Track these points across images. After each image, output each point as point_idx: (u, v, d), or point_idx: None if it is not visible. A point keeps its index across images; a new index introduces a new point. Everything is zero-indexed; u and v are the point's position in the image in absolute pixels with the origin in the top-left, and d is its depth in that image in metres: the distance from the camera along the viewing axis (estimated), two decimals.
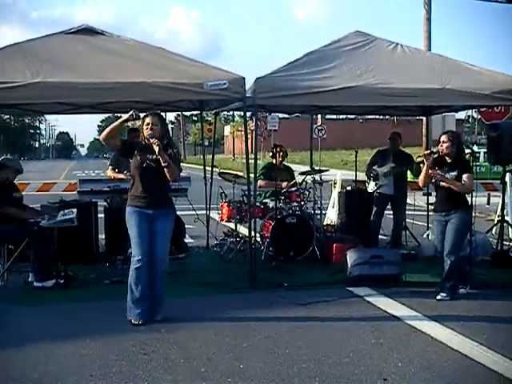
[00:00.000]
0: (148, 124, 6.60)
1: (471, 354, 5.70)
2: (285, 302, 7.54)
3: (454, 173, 7.59)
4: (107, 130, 6.64)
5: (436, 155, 7.74)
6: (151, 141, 6.52)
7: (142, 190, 6.70)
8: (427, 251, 10.29)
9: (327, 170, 11.49)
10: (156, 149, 6.50)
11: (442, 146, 7.66)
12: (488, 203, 17.33)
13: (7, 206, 8.31)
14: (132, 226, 6.71)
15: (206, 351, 5.80)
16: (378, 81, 8.45)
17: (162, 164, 6.53)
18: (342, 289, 8.14)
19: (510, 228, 11.52)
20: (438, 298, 7.57)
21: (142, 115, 6.62)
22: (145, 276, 6.62)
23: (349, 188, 12.39)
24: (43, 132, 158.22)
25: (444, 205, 7.73)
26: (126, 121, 6.57)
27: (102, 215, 10.24)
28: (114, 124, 6.63)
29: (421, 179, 7.96)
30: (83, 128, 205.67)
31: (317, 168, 11.64)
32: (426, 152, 7.83)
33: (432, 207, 8.27)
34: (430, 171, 7.70)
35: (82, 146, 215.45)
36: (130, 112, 6.46)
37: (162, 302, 6.79)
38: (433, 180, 7.84)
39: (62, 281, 8.28)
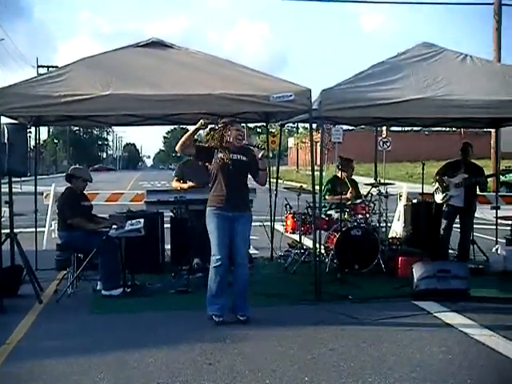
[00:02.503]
0: (239, 130, 7.10)
1: None
2: (350, 314, 7.47)
3: None
4: (181, 140, 7.07)
5: None
6: (258, 144, 7.19)
7: (226, 191, 6.97)
8: (496, 266, 10.08)
9: (393, 184, 11.38)
10: (261, 153, 7.01)
11: None
12: None
13: (77, 216, 8.50)
14: (213, 227, 6.96)
15: (271, 362, 5.80)
16: (446, 92, 8.33)
17: (260, 167, 7.04)
18: (407, 303, 8.02)
19: None
20: None
21: (210, 126, 7.10)
22: (224, 275, 6.92)
23: (415, 201, 12.25)
24: (110, 143, 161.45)
25: None
26: (198, 130, 7.01)
27: (168, 225, 10.38)
28: (187, 134, 7.07)
29: None
30: (149, 139, 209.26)
31: (382, 181, 11.55)
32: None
33: (501, 221, 8.10)
34: None
35: (148, 157, 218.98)
36: (200, 121, 6.95)
37: (248, 301, 7.14)
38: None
39: (129, 290, 8.42)
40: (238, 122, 7.96)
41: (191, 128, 7.16)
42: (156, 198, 10.15)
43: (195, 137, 7.22)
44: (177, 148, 7.17)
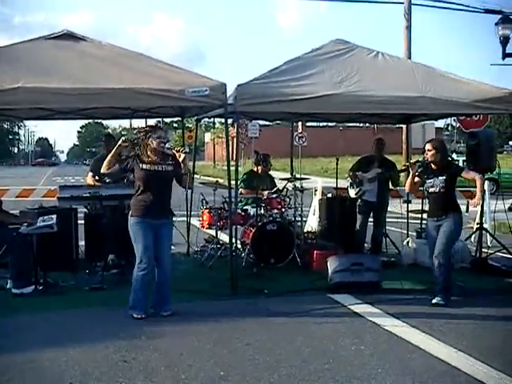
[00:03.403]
0: (160, 137, 7.08)
1: (450, 359, 5.73)
2: (265, 308, 7.53)
3: (443, 177, 7.81)
4: (105, 164, 7.15)
5: (421, 163, 8.00)
6: (180, 150, 7.16)
7: (151, 200, 7.00)
8: (407, 259, 10.37)
9: (308, 178, 11.52)
10: (182, 157, 7.08)
11: (427, 154, 7.93)
12: (467, 211, 17.42)
13: None
14: (139, 235, 6.99)
15: (187, 358, 5.78)
16: (358, 88, 8.50)
17: (184, 171, 7.12)
18: (322, 296, 8.16)
19: (488, 236, 11.60)
20: (434, 301, 7.61)
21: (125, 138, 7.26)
22: (148, 281, 7.08)
23: (329, 195, 12.43)
24: (22, 138, 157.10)
25: (435, 210, 7.92)
26: (119, 149, 7.11)
27: (82, 221, 10.19)
28: (109, 156, 7.15)
29: (408, 185, 8.22)
30: (63, 134, 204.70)
31: (298, 175, 11.67)
32: (411, 161, 8.20)
33: (412, 214, 8.35)
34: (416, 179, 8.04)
35: (62, 152, 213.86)
36: (121, 139, 7.21)
37: (169, 299, 7.28)
38: (421, 188, 8.06)
39: (41, 287, 8.21)
40: (151, 117, 7.88)
41: (113, 150, 7.21)
42: (69, 194, 9.92)
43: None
44: (103, 172, 7.26)
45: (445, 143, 8.70)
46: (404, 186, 8.76)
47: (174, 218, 7.38)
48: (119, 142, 7.18)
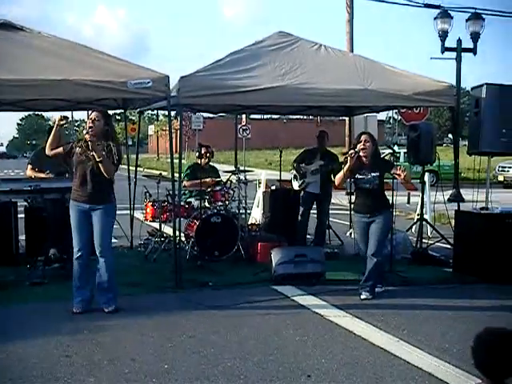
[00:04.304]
0: (90, 119, 6.91)
1: (391, 349, 5.83)
2: (210, 301, 7.53)
3: (376, 173, 7.61)
4: (49, 142, 7.08)
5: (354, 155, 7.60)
6: (85, 136, 6.82)
7: (80, 185, 6.96)
8: (350, 250, 10.51)
9: (252, 171, 11.55)
10: (89, 144, 6.77)
11: (364, 145, 7.58)
12: (408, 202, 17.77)
13: None
14: (72, 219, 7.00)
15: (130, 352, 5.74)
16: (301, 81, 8.56)
17: (97, 159, 6.78)
18: (266, 287, 8.20)
19: (428, 226, 11.84)
20: (363, 297, 7.64)
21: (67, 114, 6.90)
22: (84, 266, 7.00)
23: (273, 187, 12.50)
24: None
25: (367, 206, 7.70)
26: (57, 127, 6.99)
27: (23, 215, 10.00)
28: (52, 134, 7.06)
29: (339, 178, 7.79)
30: (2, 126, 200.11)
31: (241, 168, 11.68)
32: (351, 152, 7.62)
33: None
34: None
35: (1, 144, 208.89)
36: (57, 117, 7.05)
37: (113, 293, 7.08)
38: (348, 180, 7.90)
39: None
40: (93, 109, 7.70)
41: (53, 130, 7.12)
42: (9, 187, 9.70)
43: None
44: (47, 152, 7.17)
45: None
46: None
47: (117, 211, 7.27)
48: (56, 122, 7.06)
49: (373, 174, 7.64)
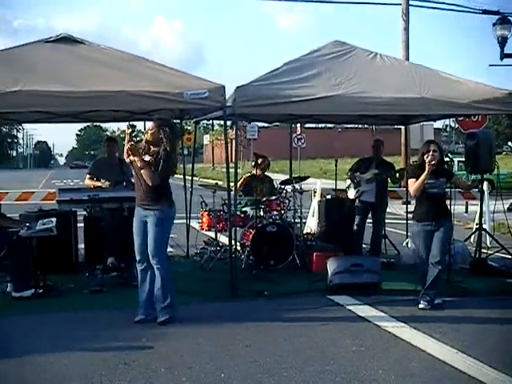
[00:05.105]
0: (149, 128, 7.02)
1: (451, 360, 5.74)
2: (265, 310, 7.54)
3: (444, 179, 7.75)
4: (125, 150, 6.97)
5: (417, 164, 7.83)
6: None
7: (136, 191, 7.09)
8: (406, 259, 10.37)
9: (308, 178, 11.53)
10: (130, 150, 6.84)
11: (433, 154, 7.55)
12: (466, 212, 17.46)
13: None
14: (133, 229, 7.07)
15: (187, 360, 5.79)
16: (356, 90, 8.50)
17: (138, 165, 6.84)
18: (322, 297, 8.16)
19: (487, 236, 11.61)
20: (421, 306, 7.54)
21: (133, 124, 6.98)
22: (145, 275, 7.03)
23: (328, 196, 12.44)
24: (21, 141, 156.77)
25: (433, 214, 7.66)
26: (129, 134, 6.95)
27: (82, 224, 10.19)
28: (126, 143, 6.96)
29: (415, 189, 7.68)
30: (62, 137, 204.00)
31: (299, 175, 11.66)
32: (428, 166, 7.53)
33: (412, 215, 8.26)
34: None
35: (61, 155, 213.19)
36: (126, 127, 7.26)
37: (165, 303, 6.98)
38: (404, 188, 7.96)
39: (40, 291, 8.20)
40: (150, 120, 7.78)
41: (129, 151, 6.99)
42: (69, 197, 9.90)
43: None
44: (125, 158, 7.14)
45: None
46: (403, 186, 8.53)
47: (174, 221, 7.29)
48: (126, 131, 7.11)
49: (441, 180, 7.72)
